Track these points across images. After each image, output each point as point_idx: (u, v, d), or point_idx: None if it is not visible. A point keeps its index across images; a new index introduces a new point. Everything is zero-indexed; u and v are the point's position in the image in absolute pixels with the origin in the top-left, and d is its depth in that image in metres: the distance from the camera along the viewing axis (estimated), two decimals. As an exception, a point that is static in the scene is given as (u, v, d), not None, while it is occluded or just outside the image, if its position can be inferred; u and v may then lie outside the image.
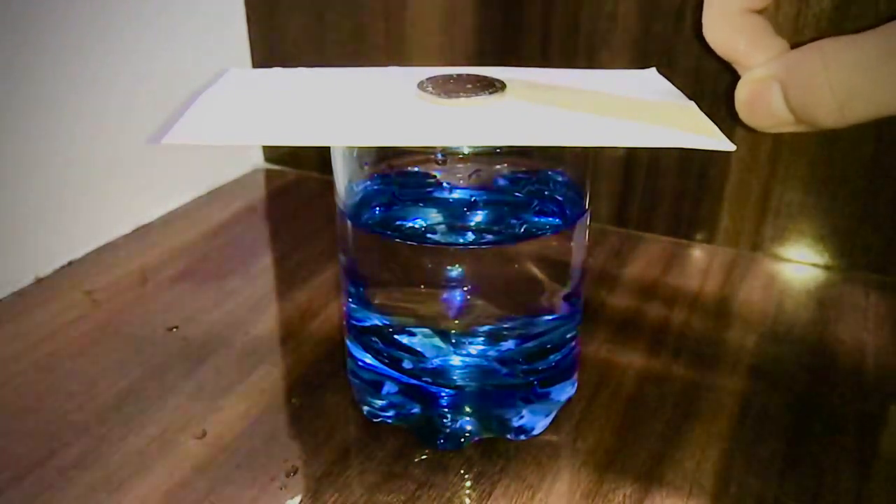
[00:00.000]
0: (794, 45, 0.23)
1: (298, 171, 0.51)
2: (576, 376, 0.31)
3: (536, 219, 0.28)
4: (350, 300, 0.29)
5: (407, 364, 0.28)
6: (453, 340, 0.27)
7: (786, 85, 0.22)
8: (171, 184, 0.46)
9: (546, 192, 0.28)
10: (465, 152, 0.26)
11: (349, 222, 0.28)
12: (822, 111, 0.21)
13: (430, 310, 0.28)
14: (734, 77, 0.38)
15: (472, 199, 0.28)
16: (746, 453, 0.29)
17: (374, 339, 0.28)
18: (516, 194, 0.28)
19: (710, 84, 0.39)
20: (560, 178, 0.28)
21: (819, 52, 0.21)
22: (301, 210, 0.47)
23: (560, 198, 0.28)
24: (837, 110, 0.21)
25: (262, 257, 0.43)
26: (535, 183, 0.28)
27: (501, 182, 0.28)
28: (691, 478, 0.28)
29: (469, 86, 0.26)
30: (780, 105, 0.22)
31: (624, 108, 0.25)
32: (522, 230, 0.28)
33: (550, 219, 0.28)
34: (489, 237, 0.28)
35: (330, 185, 0.28)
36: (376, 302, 0.28)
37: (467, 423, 0.28)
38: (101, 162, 0.42)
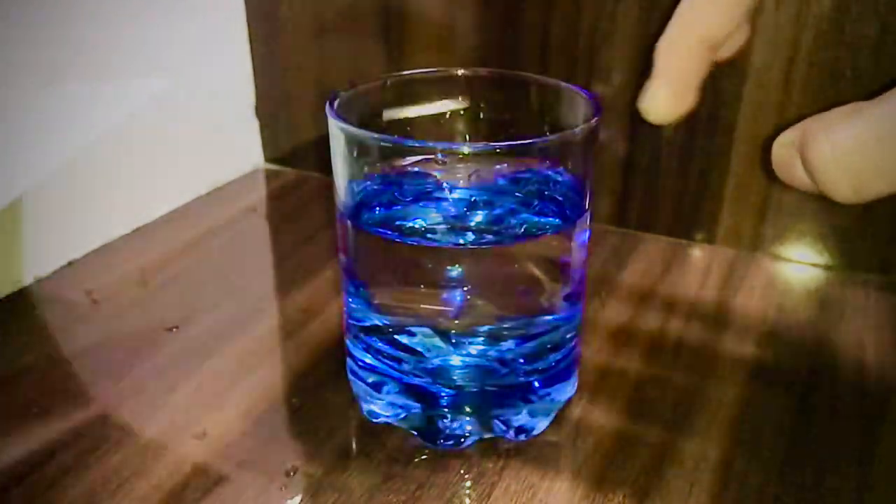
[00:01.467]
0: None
1: (298, 171, 0.51)
2: (576, 376, 0.31)
3: (536, 219, 0.28)
4: (350, 300, 0.29)
5: (407, 364, 0.28)
6: (453, 340, 0.27)
7: (803, 159, 0.22)
8: (171, 184, 0.46)
9: (546, 192, 0.28)
10: (465, 152, 0.26)
11: (349, 222, 0.28)
12: (837, 193, 0.21)
13: (430, 310, 0.28)
14: (735, 78, 0.39)
15: (472, 199, 0.28)
16: (746, 453, 0.29)
17: (374, 338, 0.28)
18: (516, 194, 0.28)
19: (710, 84, 0.39)
20: (560, 178, 0.28)
21: (827, 139, 0.20)
22: (301, 210, 0.47)
23: (560, 198, 0.28)
24: (853, 194, 0.21)
25: (262, 257, 0.43)
26: (535, 183, 0.28)
27: (501, 182, 0.28)
28: (691, 478, 0.28)
29: None
30: (802, 175, 0.22)
31: None
32: (522, 230, 0.28)
33: (550, 219, 0.28)
34: (489, 237, 0.28)
35: (330, 185, 0.28)
36: (376, 302, 0.28)
37: (467, 423, 0.28)
38: (101, 162, 0.42)
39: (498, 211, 0.28)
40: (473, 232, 0.27)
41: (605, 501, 0.27)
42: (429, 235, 0.28)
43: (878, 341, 0.35)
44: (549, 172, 0.28)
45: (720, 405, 0.31)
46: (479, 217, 0.28)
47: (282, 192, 0.50)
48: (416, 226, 0.28)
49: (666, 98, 0.25)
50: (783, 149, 0.22)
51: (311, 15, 0.47)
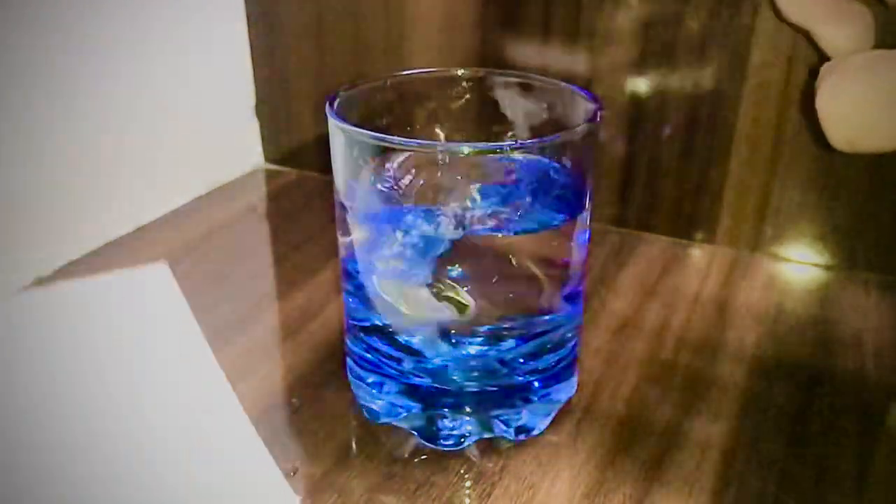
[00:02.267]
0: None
1: (298, 171, 0.51)
2: (575, 376, 0.31)
3: (537, 216, 0.28)
4: (350, 300, 0.29)
5: (407, 364, 0.28)
6: (453, 340, 0.27)
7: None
8: (171, 184, 0.46)
9: (546, 192, 0.28)
10: (465, 152, 0.26)
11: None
12: (832, 140, 0.21)
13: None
14: (735, 76, 0.39)
15: (473, 197, 0.27)
16: (747, 453, 0.29)
17: (374, 338, 0.28)
18: (517, 192, 0.28)
19: (710, 84, 0.39)
20: (560, 178, 0.28)
21: (832, 89, 0.21)
22: (301, 210, 0.47)
23: (560, 195, 0.28)
24: (846, 144, 0.21)
25: (262, 257, 0.43)
26: (536, 180, 0.28)
27: (502, 180, 0.28)
28: (691, 478, 0.28)
29: None
30: None
31: None
32: (523, 228, 0.28)
33: (550, 217, 0.28)
34: (489, 235, 0.28)
35: (330, 185, 0.28)
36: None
37: (467, 423, 0.28)
38: (101, 162, 0.42)
39: (498, 209, 0.28)
40: (473, 231, 0.27)
41: (605, 501, 0.27)
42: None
43: (878, 341, 0.35)
44: (550, 172, 0.28)
45: (720, 405, 0.31)
46: (479, 215, 0.28)
47: (282, 192, 0.50)
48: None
49: (838, 33, 0.23)
50: (820, 80, 0.22)
51: (311, 14, 0.47)
